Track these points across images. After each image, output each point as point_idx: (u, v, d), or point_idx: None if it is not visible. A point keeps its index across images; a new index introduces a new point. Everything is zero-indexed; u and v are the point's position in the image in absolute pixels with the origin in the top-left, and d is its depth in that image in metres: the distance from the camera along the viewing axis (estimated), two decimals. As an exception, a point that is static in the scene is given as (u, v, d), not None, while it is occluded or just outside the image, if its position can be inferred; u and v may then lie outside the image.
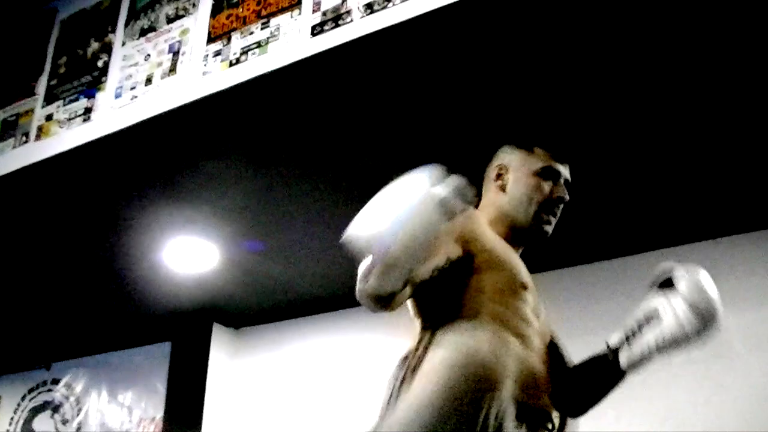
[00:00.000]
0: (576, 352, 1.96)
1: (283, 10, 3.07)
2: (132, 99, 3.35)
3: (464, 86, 3.04)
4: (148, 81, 3.34)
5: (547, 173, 1.94)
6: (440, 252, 1.63)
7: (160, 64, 3.34)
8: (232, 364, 5.39)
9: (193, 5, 3.36)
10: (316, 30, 2.93)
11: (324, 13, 2.94)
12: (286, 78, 3.00)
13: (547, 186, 1.93)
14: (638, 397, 3.84)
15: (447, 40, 2.81)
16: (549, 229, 1.92)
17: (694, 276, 1.69)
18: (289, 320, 5.20)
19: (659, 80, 2.89)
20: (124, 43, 3.53)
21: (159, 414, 5.38)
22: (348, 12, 2.88)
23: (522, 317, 1.71)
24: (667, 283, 1.75)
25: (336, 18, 2.90)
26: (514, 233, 1.91)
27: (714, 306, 1.66)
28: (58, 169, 3.56)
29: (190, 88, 3.18)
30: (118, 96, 3.41)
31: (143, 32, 3.48)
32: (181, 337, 5.46)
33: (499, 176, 1.99)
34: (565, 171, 1.96)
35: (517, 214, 1.90)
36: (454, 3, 2.64)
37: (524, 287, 1.77)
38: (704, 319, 1.65)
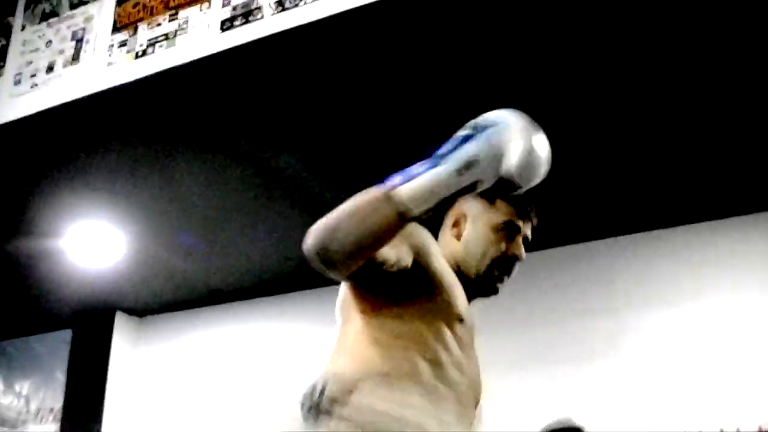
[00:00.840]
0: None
1: (192, 2, 3.01)
2: (32, 87, 3.24)
3: (376, 85, 3.04)
4: (50, 69, 3.23)
5: (506, 229, 1.83)
6: (394, 248, 1.56)
7: (62, 52, 3.23)
8: (135, 353, 5.29)
9: (98, -8, 3.25)
10: (226, 25, 2.88)
11: (234, 8, 2.90)
12: (195, 73, 2.95)
13: (504, 242, 1.83)
14: (613, 385, 3.95)
15: (357, 40, 2.81)
16: (500, 286, 1.85)
17: None
18: (195, 309, 5.13)
19: (649, 66, 2.89)
20: (24, 27, 3.40)
21: (58, 404, 5.24)
22: (258, 8, 2.84)
23: (445, 351, 1.63)
24: None
25: (246, 14, 2.86)
26: (462, 284, 1.80)
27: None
28: None
29: (93, 78, 3.09)
30: (17, 83, 3.28)
31: (45, 16, 3.36)
32: (82, 324, 5.32)
33: (456, 224, 1.88)
34: (525, 229, 1.86)
35: (469, 267, 1.82)
36: (365, 5, 2.63)
37: (460, 319, 1.69)
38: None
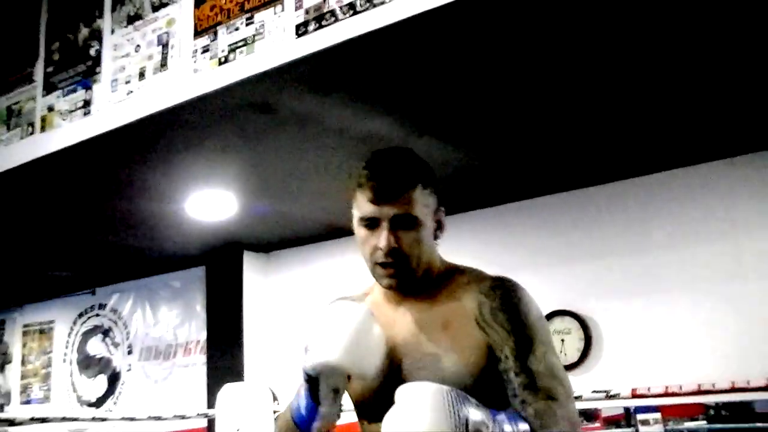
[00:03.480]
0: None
1: (266, 5, 2.98)
2: (128, 94, 3.34)
3: (448, 77, 3.00)
4: (141, 75, 3.31)
5: (367, 222, 1.63)
6: None
7: (150, 57, 3.29)
8: (265, 284, 5.59)
9: (176, -8, 3.26)
10: (301, 30, 2.85)
11: (307, 11, 2.85)
12: (274, 79, 2.97)
13: (372, 236, 1.63)
14: (655, 321, 3.97)
15: (431, 42, 2.75)
16: (390, 282, 1.62)
17: None
18: (313, 244, 5.35)
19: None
20: (113, 31, 3.47)
21: (202, 336, 5.65)
22: (331, 12, 2.79)
23: None
24: None
25: (319, 18, 2.81)
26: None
27: None
28: (82, 152, 3.61)
29: (182, 86, 3.15)
30: (114, 90, 3.39)
31: (130, 20, 3.41)
32: (214, 261, 5.64)
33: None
34: (388, 211, 1.60)
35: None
36: (437, 7, 2.55)
37: None
38: None
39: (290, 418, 1.62)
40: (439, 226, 1.68)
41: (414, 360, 1.59)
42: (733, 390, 3.53)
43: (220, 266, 5.61)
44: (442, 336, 1.59)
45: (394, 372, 1.58)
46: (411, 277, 1.63)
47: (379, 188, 1.60)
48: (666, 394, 3.70)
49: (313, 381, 1.54)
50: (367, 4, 2.69)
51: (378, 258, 1.61)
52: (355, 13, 2.72)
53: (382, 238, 1.59)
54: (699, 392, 3.62)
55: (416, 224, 1.61)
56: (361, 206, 1.62)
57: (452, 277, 1.68)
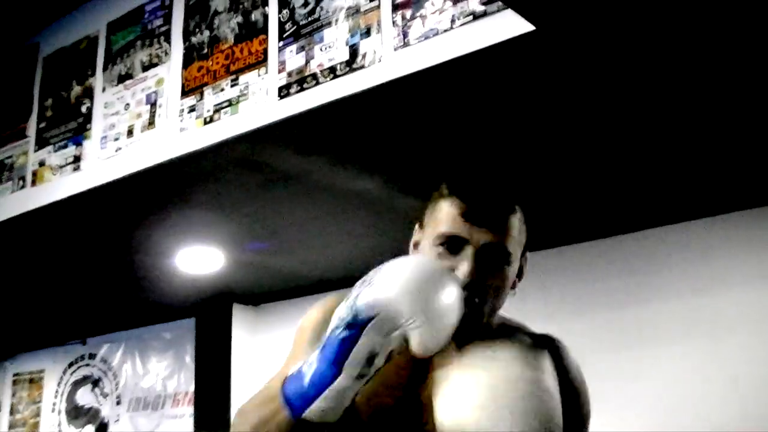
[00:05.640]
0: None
1: (250, 67, 3.08)
2: (116, 150, 3.43)
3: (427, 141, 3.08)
4: (130, 132, 3.40)
5: (447, 242, 1.30)
6: None
7: (139, 116, 3.38)
8: (254, 337, 5.61)
9: (166, 53, 3.36)
10: (283, 92, 2.94)
11: (289, 74, 2.95)
12: (258, 139, 3.05)
13: (446, 260, 1.28)
14: (637, 377, 3.99)
15: (413, 104, 2.83)
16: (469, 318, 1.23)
17: None
18: (301, 297, 5.39)
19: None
20: (104, 89, 3.57)
21: (191, 388, 5.65)
22: (313, 75, 2.88)
23: None
24: None
25: (301, 81, 2.90)
26: None
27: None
28: (72, 207, 3.68)
29: (169, 144, 3.24)
30: (103, 147, 3.48)
31: (121, 78, 3.51)
32: (204, 313, 5.66)
33: (416, 244, 1.39)
34: (480, 235, 1.28)
35: None
36: (420, 71, 2.64)
37: None
38: None
39: (278, 391, 1.16)
40: (520, 274, 1.38)
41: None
42: (715, 448, 3.54)
43: (209, 318, 5.64)
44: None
45: (415, 399, 1.28)
46: (477, 324, 1.30)
47: (475, 204, 1.30)
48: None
49: (353, 328, 1.12)
50: (347, 69, 2.79)
51: None
52: (336, 76, 2.82)
53: (463, 266, 1.26)
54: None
55: (507, 261, 1.31)
56: (444, 220, 1.30)
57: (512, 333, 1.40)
